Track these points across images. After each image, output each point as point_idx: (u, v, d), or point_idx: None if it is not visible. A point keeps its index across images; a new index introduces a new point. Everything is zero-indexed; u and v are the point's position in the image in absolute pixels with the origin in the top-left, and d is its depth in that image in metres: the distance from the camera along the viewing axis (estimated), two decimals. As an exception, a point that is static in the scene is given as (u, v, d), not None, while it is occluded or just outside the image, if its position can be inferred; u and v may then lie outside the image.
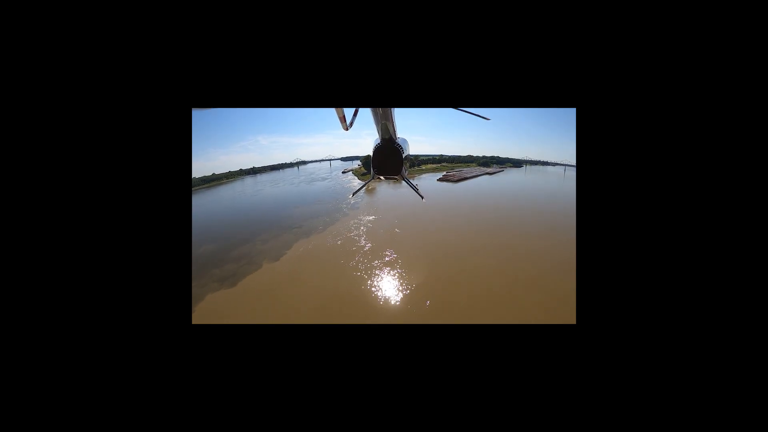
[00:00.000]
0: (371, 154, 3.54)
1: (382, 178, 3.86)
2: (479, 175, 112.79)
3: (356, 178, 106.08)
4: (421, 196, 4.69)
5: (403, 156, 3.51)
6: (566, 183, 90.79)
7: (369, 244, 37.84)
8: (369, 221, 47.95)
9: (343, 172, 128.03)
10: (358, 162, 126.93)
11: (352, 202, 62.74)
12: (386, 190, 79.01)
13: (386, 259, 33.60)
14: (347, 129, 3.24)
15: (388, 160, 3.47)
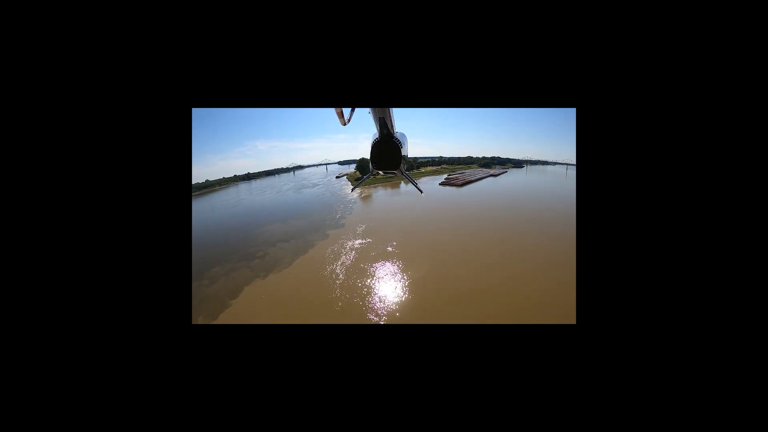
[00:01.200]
0: (369, 149, 3.13)
1: (381, 173, 3.56)
2: (484, 177, 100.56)
3: (350, 183, 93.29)
4: (420, 190, 4.49)
5: (402, 150, 3.17)
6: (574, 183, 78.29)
7: (346, 297, 24.62)
8: (355, 248, 34.98)
9: (337, 177, 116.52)
10: (354, 167, 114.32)
11: (338, 216, 49.74)
12: (382, 198, 66.11)
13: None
14: (345, 124, 2.87)
15: (386, 155, 3.12)
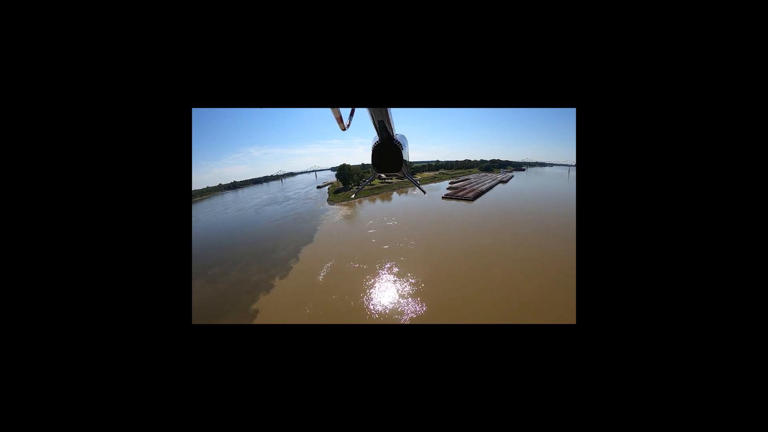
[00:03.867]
0: (371, 153, 3.10)
1: (383, 176, 3.45)
2: (494, 185, 78.18)
3: (328, 195, 70.14)
4: (423, 191, 4.18)
5: (403, 153, 3.12)
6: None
7: None
8: None
9: (318, 188, 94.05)
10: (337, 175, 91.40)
11: (266, 277, 26.64)
12: (363, 223, 43.01)
13: None
14: (344, 129, 2.81)
15: (388, 158, 3.06)
